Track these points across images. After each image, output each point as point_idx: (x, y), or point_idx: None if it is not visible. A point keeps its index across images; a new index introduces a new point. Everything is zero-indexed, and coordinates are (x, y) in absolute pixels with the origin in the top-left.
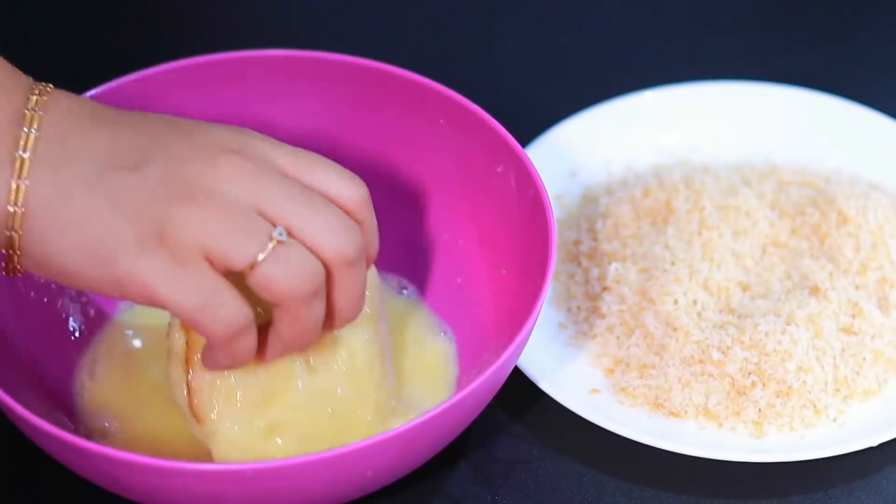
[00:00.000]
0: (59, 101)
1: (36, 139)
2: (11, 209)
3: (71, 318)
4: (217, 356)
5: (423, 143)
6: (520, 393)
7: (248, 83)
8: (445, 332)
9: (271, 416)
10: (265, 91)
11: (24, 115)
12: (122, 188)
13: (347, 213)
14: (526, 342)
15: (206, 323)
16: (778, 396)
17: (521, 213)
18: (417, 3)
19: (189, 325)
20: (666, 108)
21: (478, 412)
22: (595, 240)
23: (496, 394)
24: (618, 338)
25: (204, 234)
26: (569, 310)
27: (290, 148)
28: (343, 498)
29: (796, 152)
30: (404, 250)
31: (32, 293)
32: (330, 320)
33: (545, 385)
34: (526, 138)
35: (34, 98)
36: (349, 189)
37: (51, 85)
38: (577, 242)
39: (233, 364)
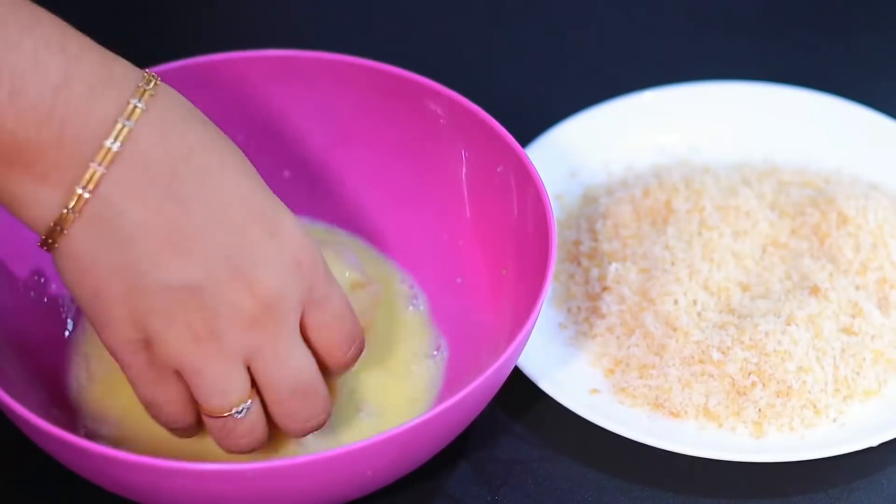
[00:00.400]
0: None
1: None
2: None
3: (71, 318)
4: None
5: (423, 143)
6: (520, 393)
7: (248, 83)
8: (445, 332)
9: None
10: (265, 91)
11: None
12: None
13: (328, 368)
14: (526, 342)
15: (154, 414)
16: (778, 396)
17: (521, 213)
18: (417, 3)
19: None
20: (666, 108)
21: (478, 412)
22: (595, 240)
23: (496, 394)
24: (618, 338)
25: (186, 362)
26: (569, 310)
27: (328, 301)
28: (343, 498)
29: (796, 152)
30: (404, 250)
31: (32, 293)
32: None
33: (545, 385)
34: (526, 138)
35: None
36: (344, 351)
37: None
38: (577, 242)
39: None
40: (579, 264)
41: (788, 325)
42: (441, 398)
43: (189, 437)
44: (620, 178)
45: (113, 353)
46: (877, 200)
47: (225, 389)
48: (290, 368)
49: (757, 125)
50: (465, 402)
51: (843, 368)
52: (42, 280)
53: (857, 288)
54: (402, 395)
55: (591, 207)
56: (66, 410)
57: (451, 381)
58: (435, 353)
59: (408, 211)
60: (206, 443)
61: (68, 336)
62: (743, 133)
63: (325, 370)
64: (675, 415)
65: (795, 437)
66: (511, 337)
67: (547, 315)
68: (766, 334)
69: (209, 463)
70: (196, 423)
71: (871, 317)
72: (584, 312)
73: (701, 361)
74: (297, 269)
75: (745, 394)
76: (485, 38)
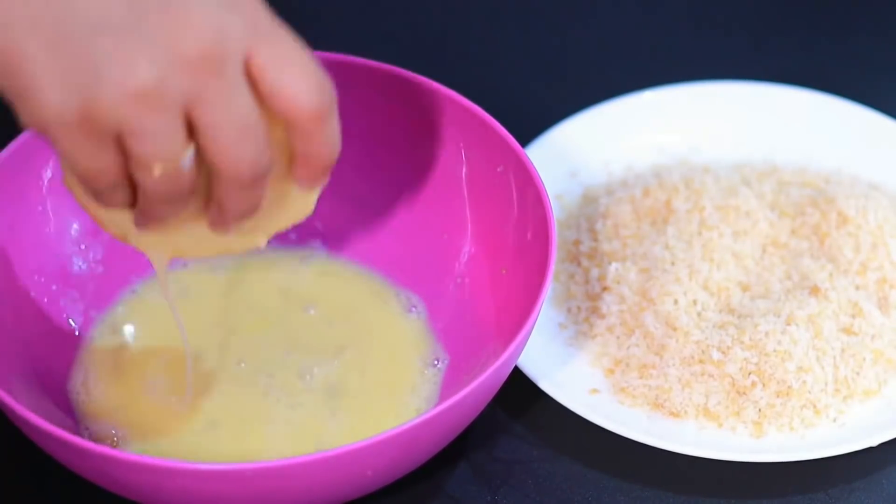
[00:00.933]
0: None
1: None
2: None
3: (71, 319)
4: (154, 212)
5: (424, 143)
6: (520, 393)
7: None
8: (445, 333)
9: None
10: None
11: None
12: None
13: (292, 124)
14: (526, 342)
15: (86, 182)
16: (778, 396)
17: (521, 213)
18: (418, 4)
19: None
20: (666, 108)
21: (478, 412)
22: (595, 240)
23: (496, 394)
24: (618, 338)
25: (123, 122)
26: (569, 310)
27: (276, 37)
28: (343, 498)
29: (796, 152)
30: (404, 251)
31: (32, 293)
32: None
33: (545, 385)
34: (526, 138)
35: None
36: (301, 101)
37: None
38: (577, 242)
39: (173, 212)
40: (579, 264)
41: (788, 325)
42: (441, 398)
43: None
44: (620, 178)
45: (42, 129)
46: (877, 200)
47: (163, 145)
48: (233, 108)
49: (757, 125)
50: (466, 401)
51: (843, 368)
52: (43, 280)
53: (857, 288)
54: (403, 397)
55: (591, 207)
56: (66, 410)
57: (451, 382)
58: (436, 361)
59: (408, 211)
60: (206, 442)
61: (69, 336)
62: (743, 133)
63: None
64: (674, 415)
65: (795, 437)
66: (511, 337)
67: (547, 315)
68: (766, 334)
69: (209, 463)
70: (131, 190)
71: (871, 317)
72: (584, 312)
73: (701, 361)
74: (234, 4)
75: (745, 394)
76: (485, 38)
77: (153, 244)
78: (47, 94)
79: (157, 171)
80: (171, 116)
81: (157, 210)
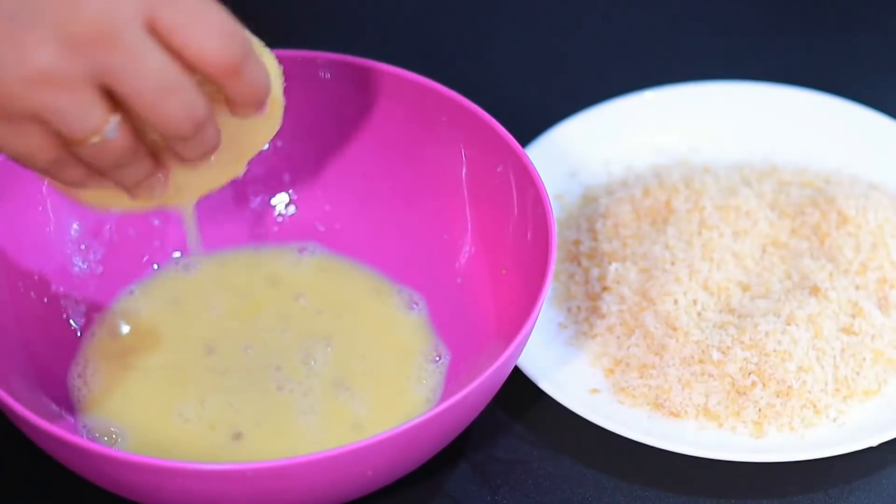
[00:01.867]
0: None
1: None
2: None
3: (71, 319)
4: (115, 178)
5: (424, 143)
6: (520, 393)
7: None
8: (445, 334)
9: None
10: None
11: None
12: None
13: (208, 78)
14: (526, 342)
15: (30, 165)
16: (778, 396)
17: (521, 213)
18: (417, 4)
19: None
20: (666, 108)
21: (478, 412)
22: (595, 240)
23: (496, 394)
24: (618, 338)
25: (37, 104)
26: (569, 310)
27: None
28: (343, 498)
29: (796, 152)
30: (404, 251)
31: (32, 293)
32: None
33: (545, 385)
34: (526, 138)
35: None
36: (212, 56)
37: None
38: (577, 242)
39: (138, 176)
40: (579, 264)
41: (788, 325)
42: (441, 399)
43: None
44: (620, 178)
45: None
46: (877, 200)
47: (85, 118)
48: (148, 69)
49: (757, 125)
50: (465, 402)
51: (843, 368)
52: (43, 280)
53: (857, 288)
54: (403, 399)
55: (591, 207)
56: (66, 410)
57: (452, 382)
58: (437, 359)
59: (408, 211)
60: (206, 442)
61: (69, 336)
62: (743, 133)
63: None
64: (675, 415)
65: (795, 437)
66: (511, 337)
67: (547, 315)
68: (766, 334)
69: (209, 463)
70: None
71: (871, 317)
72: (584, 312)
73: (701, 361)
74: None
75: (745, 394)
76: (485, 38)
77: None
78: None
79: (89, 144)
80: (82, 93)
81: (118, 175)
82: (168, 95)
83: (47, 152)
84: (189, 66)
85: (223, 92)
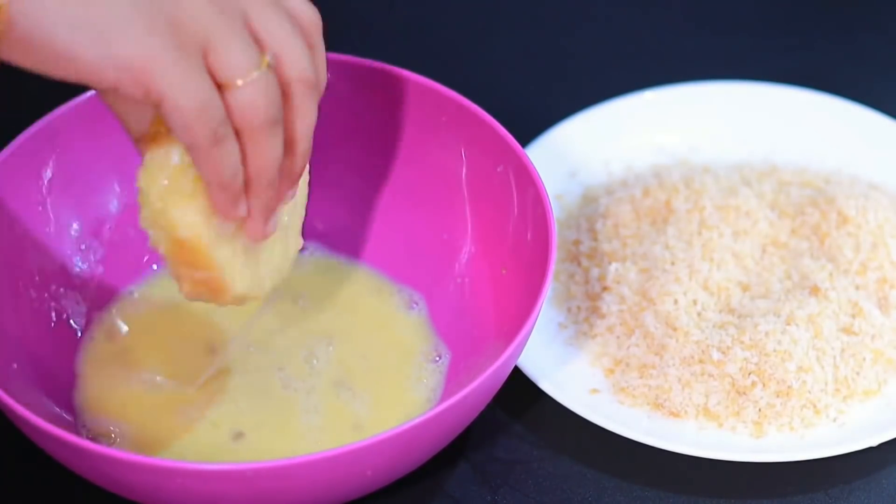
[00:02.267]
0: None
1: None
2: None
3: (71, 319)
4: (204, 169)
5: (424, 143)
6: (520, 393)
7: None
8: (445, 334)
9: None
10: None
11: None
12: None
13: (305, 35)
14: (526, 342)
15: (198, 125)
16: (778, 396)
17: (521, 213)
18: (417, 4)
19: (176, 126)
20: (666, 108)
21: (478, 412)
22: (595, 240)
23: (496, 394)
24: (618, 338)
25: (211, 30)
26: (569, 310)
27: None
28: (343, 498)
29: (796, 152)
30: (404, 251)
31: (33, 293)
32: (289, 154)
33: (545, 385)
34: (526, 138)
35: None
36: (309, 13)
37: None
38: (577, 242)
39: (222, 179)
40: (579, 264)
41: (788, 324)
42: (442, 399)
43: (237, 166)
44: (620, 178)
45: (141, 63)
46: (877, 200)
47: (243, 50)
48: (280, 19)
49: (757, 125)
50: (465, 402)
51: (843, 368)
52: (43, 280)
53: (857, 288)
54: (404, 399)
55: (591, 207)
56: (66, 410)
57: (452, 382)
58: (437, 358)
59: (408, 211)
60: (207, 442)
61: (69, 336)
62: (743, 133)
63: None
64: (675, 415)
65: (795, 437)
66: (511, 337)
67: (547, 315)
68: (766, 334)
69: (209, 463)
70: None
71: (871, 317)
72: (584, 312)
73: (701, 361)
74: None
75: (745, 394)
76: (485, 38)
77: (249, 286)
78: (136, 27)
79: (240, 83)
80: (241, 31)
81: (252, 147)
82: (294, 39)
83: (211, 105)
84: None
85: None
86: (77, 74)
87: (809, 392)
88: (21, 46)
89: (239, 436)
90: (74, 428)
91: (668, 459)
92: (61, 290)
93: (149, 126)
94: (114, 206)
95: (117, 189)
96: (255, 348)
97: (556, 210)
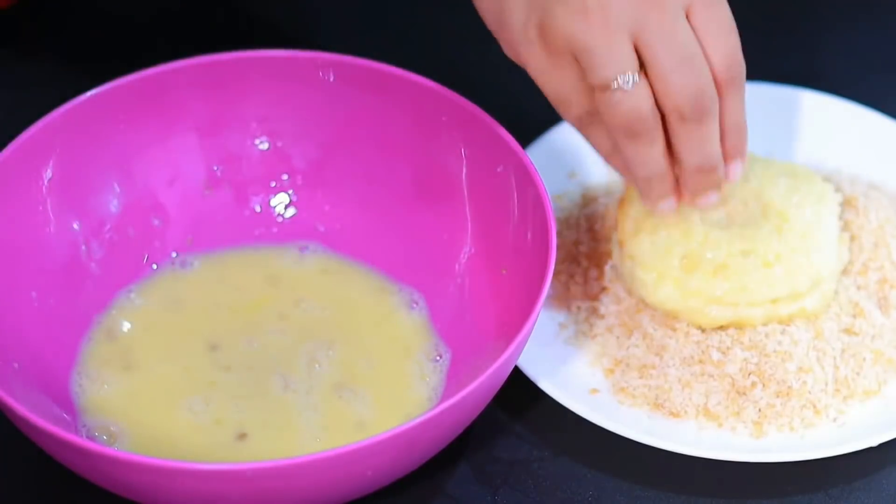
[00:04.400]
0: None
1: None
2: None
3: (71, 318)
4: (626, 155)
5: (424, 143)
6: (520, 393)
7: (248, 83)
8: (445, 334)
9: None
10: (265, 91)
11: None
12: None
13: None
14: (526, 342)
15: (561, 110)
16: (778, 397)
17: (521, 213)
18: (417, 4)
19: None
20: None
21: (478, 412)
22: (595, 240)
23: (496, 394)
24: (617, 338)
25: (575, 36)
26: (569, 310)
27: (716, 7)
28: (343, 498)
29: (796, 152)
30: (404, 251)
31: (33, 293)
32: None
33: (545, 385)
34: (526, 138)
35: None
36: (721, 63)
37: None
38: (576, 242)
39: (647, 165)
40: (579, 264)
41: (788, 325)
42: (442, 399)
43: (659, 155)
44: (620, 178)
45: (515, 51)
46: (877, 200)
47: (611, 59)
48: (676, 39)
49: (757, 125)
50: (465, 402)
51: (843, 368)
52: (42, 280)
53: (858, 288)
54: (406, 397)
55: (590, 207)
56: (67, 410)
57: (452, 382)
58: (438, 358)
59: (408, 211)
60: (209, 442)
61: (69, 336)
62: None
63: None
64: (674, 415)
65: (795, 437)
66: (511, 337)
67: (547, 315)
68: (766, 334)
69: (209, 463)
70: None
71: (872, 317)
72: (584, 312)
73: (701, 361)
74: None
75: (745, 394)
76: (485, 38)
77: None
78: (515, 16)
79: (609, 90)
80: (616, 36)
81: (631, 151)
82: (683, 66)
83: (576, 94)
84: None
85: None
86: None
87: (809, 392)
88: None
89: (240, 436)
90: (74, 428)
91: (668, 459)
92: (61, 290)
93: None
94: (114, 206)
95: (117, 189)
96: (256, 348)
97: (556, 210)
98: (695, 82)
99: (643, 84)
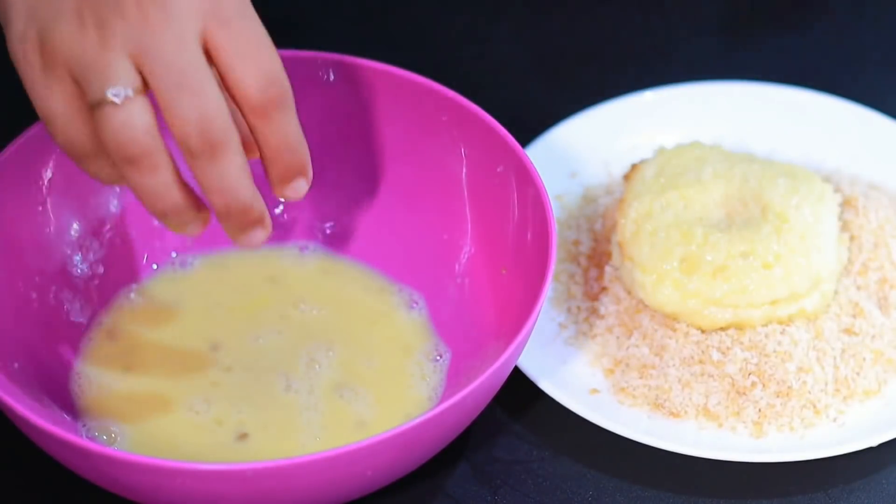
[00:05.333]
0: None
1: None
2: None
3: (71, 319)
4: (131, 186)
5: (424, 143)
6: (520, 393)
7: None
8: (445, 334)
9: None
10: None
11: None
12: None
13: (240, 110)
14: (526, 342)
15: (50, 130)
16: (778, 397)
17: (521, 213)
18: (417, 4)
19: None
20: (666, 108)
21: (478, 412)
22: (595, 240)
23: (496, 394)
24: (617, 338)
25: (73, 51)
26: (569, 310)
27: (237, 23)
28: (343, 498)
29: (796, 152)
30: (404, 251)
31: (33, 293)
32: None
33: (545, 385)
34: (526, 138)
35: None
36: (250, 88)
37: None
38: (576, 242)
39: (158, 198)
40: (579, 264)
41: (788, 325)
42: (442, 399)
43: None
44: (620, 178)
45: (12, 57)
46: (877, 200)
47: (106, 75)
48: (176, 64)
49: (757, 125)
50: (465, 402)
51: (843, 368)
52: (43, 280)
53: (858, 288)
54: (406, 397)
55: (590, 207)
56: (67, 410)
57: (452, 382)
58: (438, 358)
59: (408, 211)
60: (209, 442)
61: (69, 336)
62: (743, 133)
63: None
64: (674, 415)
65: (795, 437)
66: (511, 337)
67: (547, 315)
68: (766, 335)
69: (209, 463)
70: (95, 142)
71: (872, 317)
72: (584, 312)
73: (701, 362)
74: None
75: (744, 394)
76: (485, 38)
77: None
78: (14, 25)
79: (104, 106)
80: (112, 51)
81: (135, 176)
82: (184, 95)
83: (69, 109)
84: (228, 92)
85: (255, 139)
86: None
87: (809, 392)
88: None
89: (241, 436)
90: (74, 428)
91: (668, 459)
92: (62, 290)
93: None
94: (114, 206)
95: (117, 189)
96: (256, 348)
97: (556, 210)
98: (198, 113)
99: (141, 102)
